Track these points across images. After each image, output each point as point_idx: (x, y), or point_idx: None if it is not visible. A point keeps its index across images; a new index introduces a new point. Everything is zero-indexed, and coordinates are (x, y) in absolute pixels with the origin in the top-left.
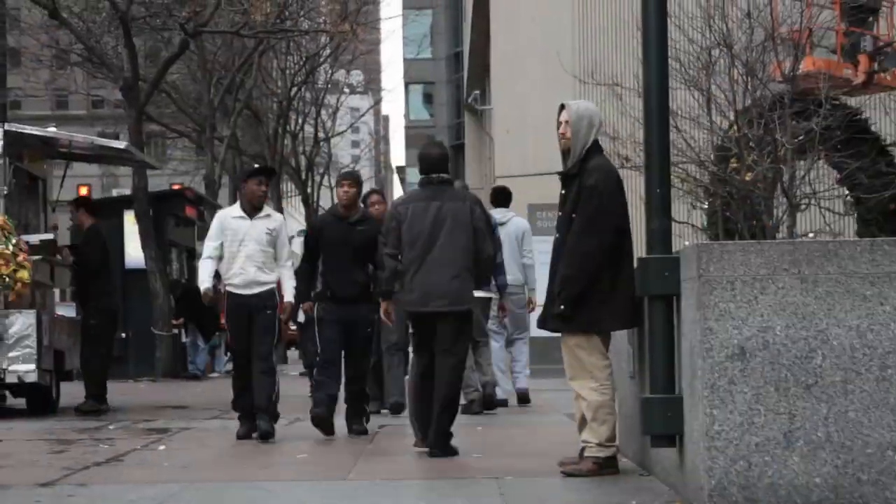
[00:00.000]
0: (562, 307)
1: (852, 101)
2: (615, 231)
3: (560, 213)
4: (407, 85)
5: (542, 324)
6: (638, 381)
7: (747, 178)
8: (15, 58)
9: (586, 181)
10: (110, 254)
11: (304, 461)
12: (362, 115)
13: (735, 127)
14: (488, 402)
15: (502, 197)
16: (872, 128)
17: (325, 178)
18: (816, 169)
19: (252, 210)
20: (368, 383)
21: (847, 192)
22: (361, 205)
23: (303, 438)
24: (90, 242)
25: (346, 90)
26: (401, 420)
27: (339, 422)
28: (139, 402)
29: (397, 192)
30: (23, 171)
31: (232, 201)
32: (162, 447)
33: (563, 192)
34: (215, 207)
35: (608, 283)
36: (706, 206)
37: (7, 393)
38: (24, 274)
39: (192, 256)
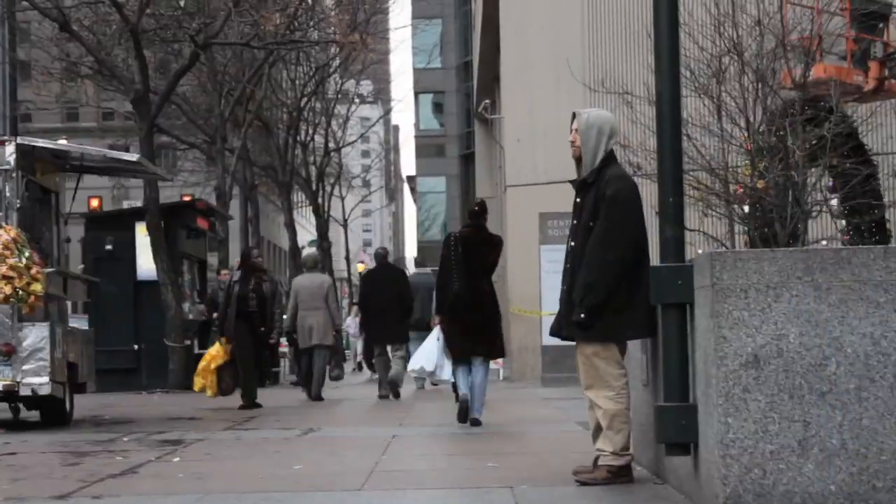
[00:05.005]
0: (582, 315)
1: (862, 109)
2: (636, 240)
3: (575, 222)
4: (417, 94)
5: (555, 331)
6: (652, 390)
7: (759, 186)
8: (25, 70)
9: (606, 190)
10: None
11: (318, 472)
12: (372, 125)
13: (748, 135)
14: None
15: None
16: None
17: (336, 188)
18: (828, 176)
19: None
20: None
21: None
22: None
23: (317, 449)
24: None
25: (356, 100)
26: (414, 430)
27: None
28: (152, 414)
29: (408, 201)
30: (35, 184)
31: (243, 212)
32: (176, 459)
33: (577, 200)
34: (226, 218)
35: (627, 293)
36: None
37: (21, 405)
38: (37, 287)
39: (204, 268)
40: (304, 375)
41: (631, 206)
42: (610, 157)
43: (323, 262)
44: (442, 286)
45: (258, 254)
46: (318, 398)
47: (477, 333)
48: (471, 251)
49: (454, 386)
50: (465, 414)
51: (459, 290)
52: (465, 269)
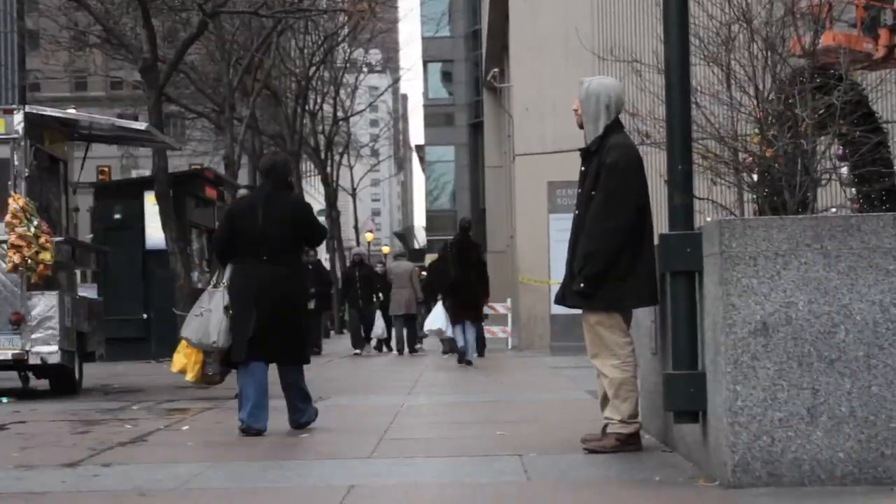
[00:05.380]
0: (582, 284)
1: (871, 76)
2: (636, 209)
3: (579, 191)
4: (425, 63)
5: (560, 300)
6: (660, 358)
7: (768, 154)
8: (34, 40)
9: (606, 158)
10: None
11: (327, 440)
12: (381, 94)
13: (757, 104)
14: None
15: None
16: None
17: (344, 157)
18: (837, 144)
19: None
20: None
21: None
22: None
23: (327, 417)
24: None
25: (365, 69)
26: (422, 399)
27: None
28: (161, 383)
29: (416, 170)
30: (43, 153)
31: (252, 181)
32: (185, 427)
33: (582, 168)
34: (235, 188)
35: (629, 261)
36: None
37: (30, 374)
38: (46, 255)
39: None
40: (397, 338)
41: (630, 173)
42: (614, 125)
43: (332, 231)
44: (445, 275)
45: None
46: (414, 351)
47: (466, 305)
48: (462, 252)
49: (452, 342)
50: (462, 357)
51: (454, 278)
52: (458, 264)
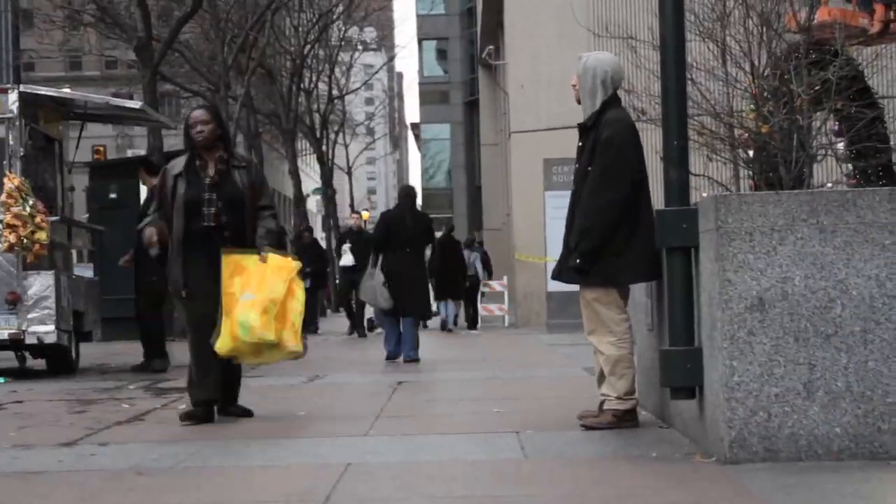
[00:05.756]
0: (578, 260)
1: (867, 51)
2: (632, 183)
3: (576, 166)
4: (420, 41)
5: (556, 275)
6: (657, 334)
7: (763, 130)
8: (28, 19)
9: (602, 133)
10: None
11: (324, 418)
12: (376, 72)
13: (753, 79)
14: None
15: None
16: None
17: (340, 135)
18: (833, 120)
19: None
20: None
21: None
22: None
23: (323, 395)
24: None
25: (360, 47)
26: (419, 376)
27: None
28: None
29: (412, 148)
30: (38, 132)
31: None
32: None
33: (579, 144)
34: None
35: (625, 237)
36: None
37: (27, 354)
38: (41, 235)
39: None
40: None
41: (626, 148)
42: (611, 100)
43: (327, 209)
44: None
45: (204, 118)
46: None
47: (448, 288)
48: (444, 247)
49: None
50: (445, 326)
51: (439, 267)
52: (442, 256)
